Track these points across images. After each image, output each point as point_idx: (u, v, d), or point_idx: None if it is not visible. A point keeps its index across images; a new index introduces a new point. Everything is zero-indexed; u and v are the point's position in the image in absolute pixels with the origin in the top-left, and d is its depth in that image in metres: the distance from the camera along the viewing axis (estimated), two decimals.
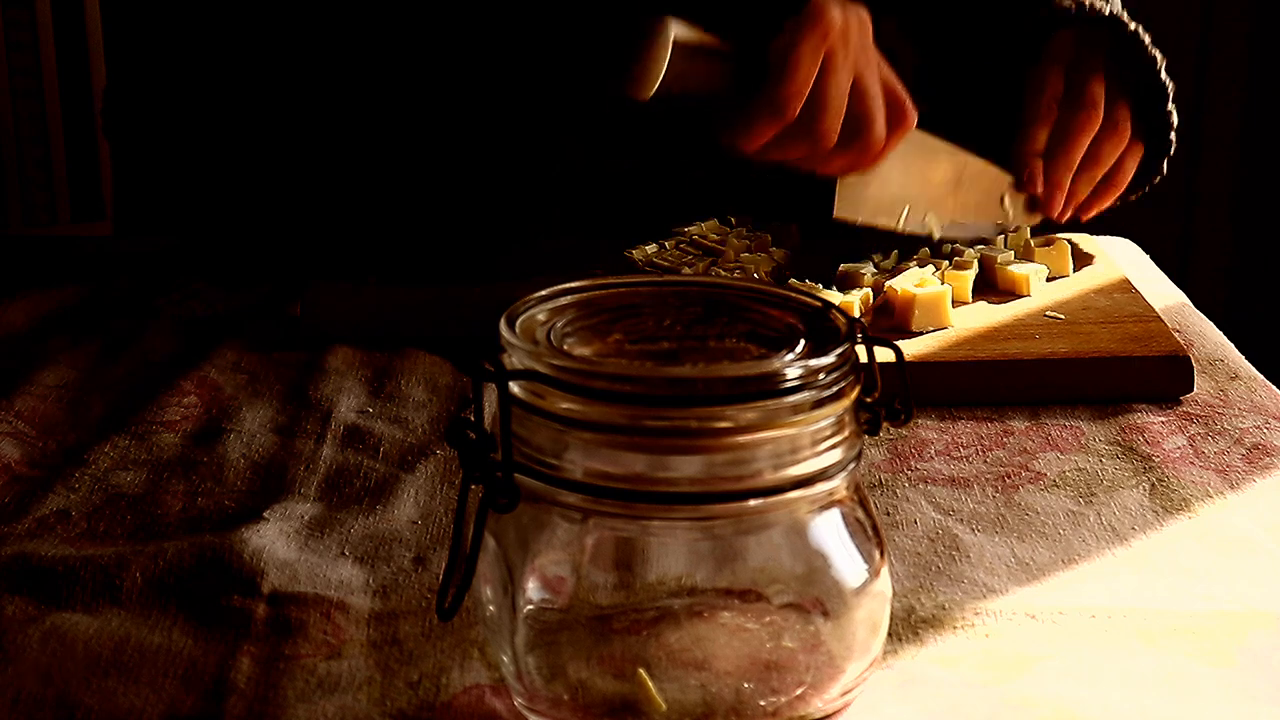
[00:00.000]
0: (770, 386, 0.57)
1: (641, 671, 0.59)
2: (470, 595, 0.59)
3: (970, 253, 0.97)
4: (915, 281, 0.91)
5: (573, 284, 0.63)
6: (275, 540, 0.72)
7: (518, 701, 0.61)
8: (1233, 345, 0.95)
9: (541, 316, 0.62)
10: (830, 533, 0.60)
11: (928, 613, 0.67)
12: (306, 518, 0.74)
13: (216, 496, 0.76)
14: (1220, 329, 0.98)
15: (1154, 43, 1.08)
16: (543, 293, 0.63)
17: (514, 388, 0.58)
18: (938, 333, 0.90)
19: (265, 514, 0.74)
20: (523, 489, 0.58)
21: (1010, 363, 0.87)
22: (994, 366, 0.87)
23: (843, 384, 0.58)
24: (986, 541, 0.73)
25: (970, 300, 0.94)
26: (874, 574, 0.60)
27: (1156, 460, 0.81)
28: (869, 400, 0.60)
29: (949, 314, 0.90)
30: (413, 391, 0.88)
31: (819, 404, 0.57)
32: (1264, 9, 2.74)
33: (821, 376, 0.57)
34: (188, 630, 0.66)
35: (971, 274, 0.94)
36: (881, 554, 0.61)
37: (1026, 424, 0.84)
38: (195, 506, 0.76)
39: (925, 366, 0.86)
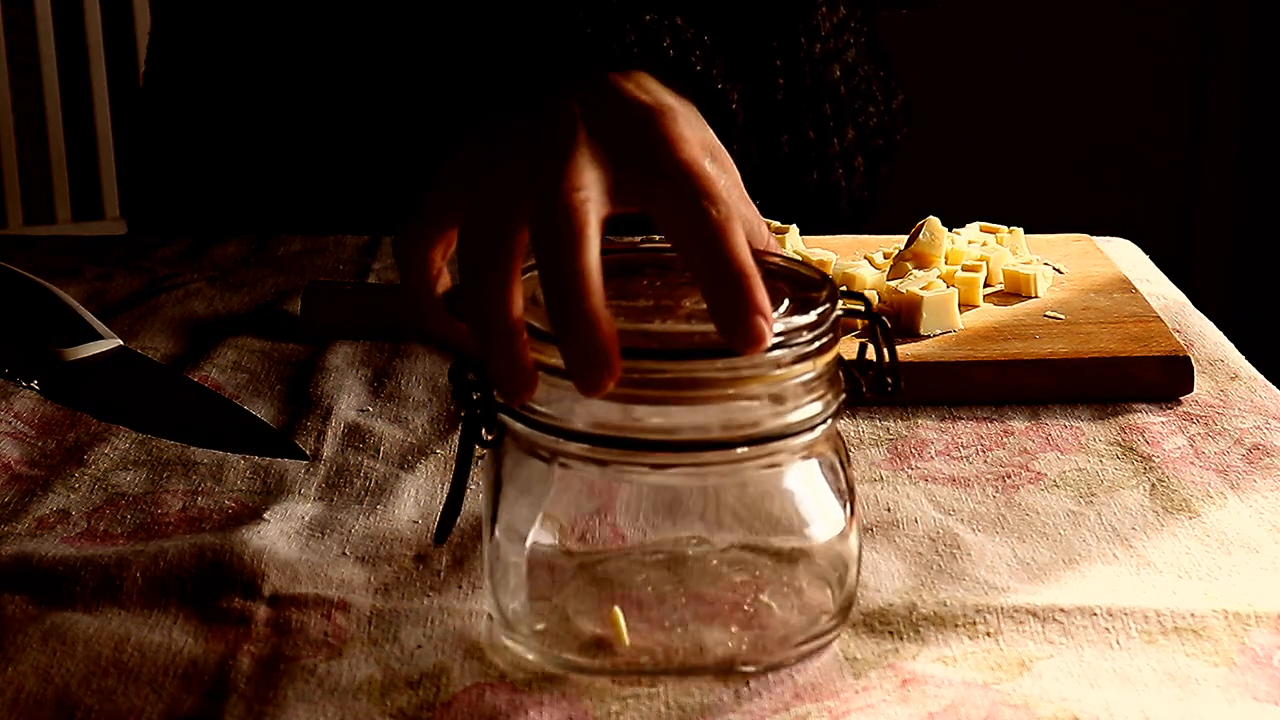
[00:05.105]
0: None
1: (616, 610, 0.64)
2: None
3: (976, 256, 0.97)
4: (922, 284, 0.91)
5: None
6: (276, 541, 0.72)
7: (499, 631, 0.65)
8: (1233, 345, 0.95)
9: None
10: (804, 485, 0.64)
11: (929, 610, 0.67)
12: (307, 518, 0.74)
13: (216, 496, 0.76)
14: (1220, 329, 0.98)
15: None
16: None
17: None
18: (941, 334, 0.90)
19: (266, 514, 0.74)
20: (509, 431, 0.63)
21: (1010, 363, 0.87)
22: (994, 366, 0.87)
23: (821, 342, 0.62)
24: (987, 541, 0.73)
25: (979, 303, 0.94)
26: (845, 526, 0.64)
27: (1156, 460, 0.81)
28: (856, 368, 0.65)
29: (957, 316, 0.90)
30: (413, 391, 0.88)
31: (799, 360, 0.61)
32: (1264, 9, 2.74)
33: (804, 335, 0.61)
34: (188, 630, 0.66)
35: (981, 276, 0.94)
36: (852, 510, 0.64)
37: (1026, 424, 0.84)
38: (195, 506, 0.76)
39: (925, 366, 0.86)
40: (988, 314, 0.92)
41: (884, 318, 0.66)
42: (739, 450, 0.61)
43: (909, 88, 1.28)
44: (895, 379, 0.65)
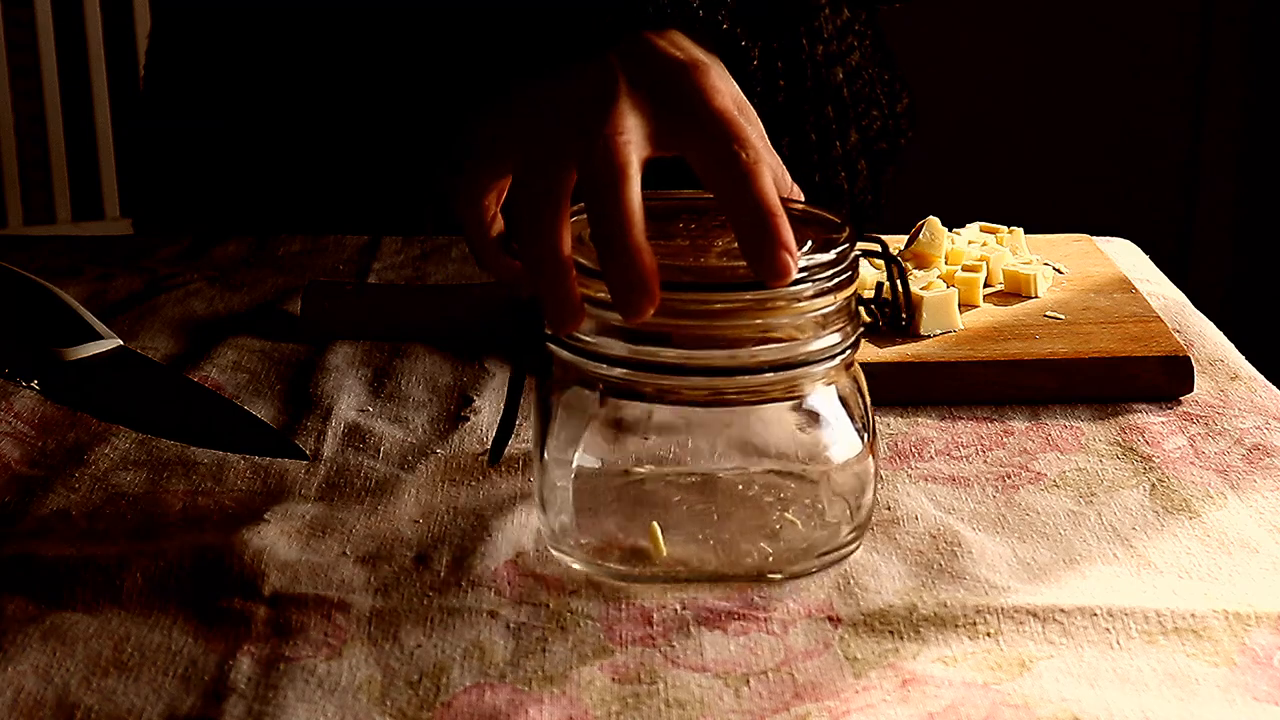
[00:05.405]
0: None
1: (654, 524, 0.70)
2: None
3: (976, 256, 0.97)
4: (922, 284, 0.91)
5: None
6: (276, 541, 0.72)
7: (549, 543, 0.71)
8: (1233, 345, 0.95)
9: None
10: (825, 410, 0.70)
11: (929, 611, 0.67)
12: (307, 518, 0.74)
13: (216, 496, 0.76)
14: (1220, 329, 0.98)
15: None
16: None
17: None
18: (941, 334, 0.90)
19: (266, 514, 0.74)
20: (558, 360, 0.69)
21: (1010, 363, 0.87)
22: (994, 366, 0.87)
23: (840, 278, 0.68)
24: (988, 541, 0.73)
25: (979, 303, 0.93)
26: (864, 449, 0.70)
27: (1156, 460, 0.81)
28: (873, 303, 0.72)
29: (957, 316, 0.90)
30: (413, 391, 0.88)
31: (820, 293, 0.67)
32: (1264, 9, 2.74)
33: (825, 271, 0.67)
34: (188, 630, 0.66)
35: (980, 276, 0.94)
36: (871, 434, 0.71)
37: (1026, 424, 0.84)
38: (195, 506, 0.76)
39: (925, 366, 0.86)
40: (988, 314, 0.92)
41: (899, 258, 0.73)
42: (766, 376, 0.67)
43: (908, 88, 1.28)
44: (910, 314, 0.72)
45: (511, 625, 0.67)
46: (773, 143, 1.02)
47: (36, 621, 0.66)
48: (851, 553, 0.71)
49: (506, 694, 0.62)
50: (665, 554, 0.69)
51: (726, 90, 0.72)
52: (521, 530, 0.73)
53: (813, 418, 0.70)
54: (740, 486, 0.72)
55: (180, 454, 0.81)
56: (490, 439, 0.82)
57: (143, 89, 1.25)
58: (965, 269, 0.95)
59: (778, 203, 0.67)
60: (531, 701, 0.62)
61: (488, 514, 0.75)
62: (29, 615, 0.67)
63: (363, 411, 0.85)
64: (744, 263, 0.67)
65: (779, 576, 0.69)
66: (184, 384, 0.88)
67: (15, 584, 0.69)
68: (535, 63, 0.76)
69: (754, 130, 0.73)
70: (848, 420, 0.70)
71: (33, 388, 0.87)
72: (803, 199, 0.76)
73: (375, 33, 1.11)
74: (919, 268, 0.94)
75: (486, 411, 0.85)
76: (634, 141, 0.69)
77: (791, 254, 0.66)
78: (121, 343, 0.92)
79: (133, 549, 0.71)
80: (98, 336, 0.91)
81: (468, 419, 0.84)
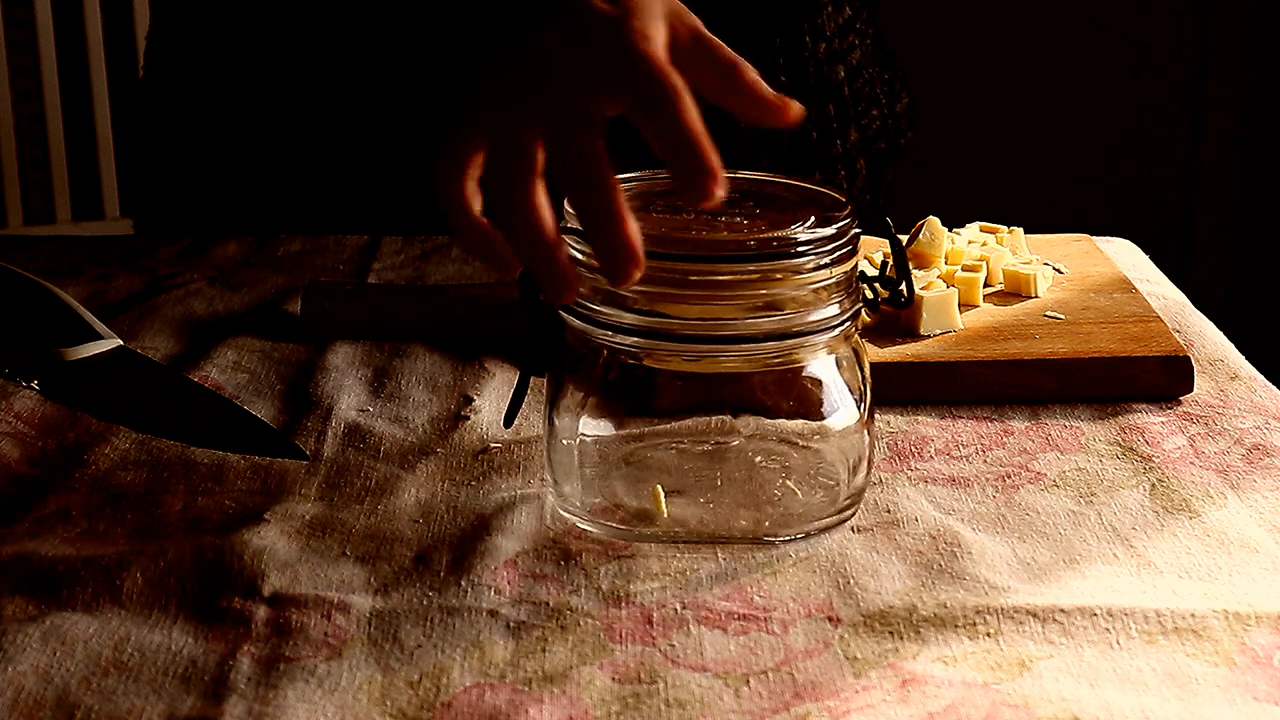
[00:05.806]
0: (771, 250, 0.70)
1: (657, 487, 0.73)
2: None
3: (976, 256, 0.97)
4: (922, 284, 0.91)
5: (632, 174, 0.74)
6: (276, 541, 0.72)
7: (559, 505, 0.74)
8: (1233, 345, 0.95)
9: None
10: (824, 379, 0.72)
11: (929, 611, 0.67)
12: (307, 518, 0.74)
13: (216, 496, 0.76)
14: (1220, 329, 0.98)
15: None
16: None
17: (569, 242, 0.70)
18: (941, 334, 0.90)
19: (266, 514, 0.74)
20: (569, 329, 0.71)
21: (1010, 363, 0.87)
22: (994, 366, 0.87)
23: (839, 253, 0.70)
24: (988, 541, 0.73)
25: (979, 303, 0.93)
26: (860, 419, 0.73)
27: (1156, 460, 0.81)
28: (876, 281, 0.74)
29: (957, 316, 0.90)
30: (413, 391, 0.88)
31: (819, 267, 0.70)
32: (1264, 9, 2.74)
33: (825, 245, 0.70)
34: (188, 630, 0.66)
35: (980, 276, 0.94)
36: (868, 407, 0.73)
37: (1026, 424, 0.85)
38: (195, 506, 0.76)
39: (925, 366, 0.86)
40: (988, 314, 0.92)
41: (900, 237, 0.76)
42: (767, 345, 0.70)
43: (909, 88, 1.28)
44: (910, 290, 0.74)
45: (511, 625, 0.67)
46: (773, 140, 1.03)
47: (36, 621, 0.66)
48: (848, 519, 0.73)
49: (506, 694, 0.62)
50: (666, 515, 0.72)
51: (655, 29, 0.72)
52: (522, 530, 0.73)
53: (814, 385, 0.72)
54: (741, 453, 0.75)
55: (180, 454, 0.81)
56: (489, 438, 0.82)
57: (142, 89, 1.25)
58: (965, 269, 0.95)
59: (700, 128, 0.68)
60: (531, 701, 0.62)
61: (488, 514, 0.75)
62: (29, 615, 0.67)
63: (363, 411, 0.85)
64: (748, 235, 0.70)
65: (775, 539, 0.72)
66: (184, 384, 0.88)
67: (15, 584, 0.69)
68: (490, 41, 0.77)
69: (685, 27, 0.73)
70: (846, 390, 0.73)
71: (33, 388, 0.87)
72: (799, 109, 0.75)
73: (375, 32, 1.11)
74: (919, 268, 0.94)
75: (486, 411, 0.85)
76: (582, 93, 0.70)
77: (715, 175, 0.67)
78: (121, 343, 0.92)
79: (133, 549, 0.71)
80: (98, 336, 0.91)
81: (468, 419, 0.84)
